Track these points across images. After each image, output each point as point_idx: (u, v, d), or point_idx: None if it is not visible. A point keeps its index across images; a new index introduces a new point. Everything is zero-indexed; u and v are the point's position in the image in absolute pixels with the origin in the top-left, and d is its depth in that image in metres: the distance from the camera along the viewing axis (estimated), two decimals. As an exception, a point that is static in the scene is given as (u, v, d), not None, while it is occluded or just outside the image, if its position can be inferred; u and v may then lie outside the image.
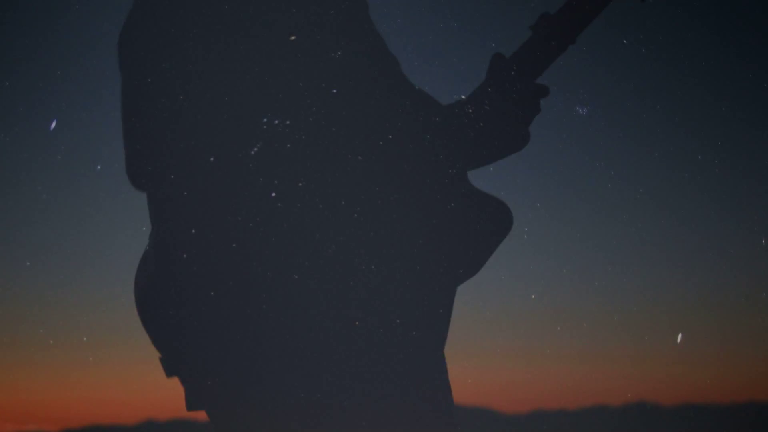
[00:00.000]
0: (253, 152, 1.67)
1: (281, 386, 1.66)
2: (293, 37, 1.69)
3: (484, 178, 1.93)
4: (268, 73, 1.69)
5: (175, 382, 1.80)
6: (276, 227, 1.66)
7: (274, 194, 1.66)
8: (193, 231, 1.69)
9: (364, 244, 1.67)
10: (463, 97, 1.93)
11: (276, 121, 1.67)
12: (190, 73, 1.71)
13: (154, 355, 1.79)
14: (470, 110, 1.89)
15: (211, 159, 1.69)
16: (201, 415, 1.81)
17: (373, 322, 1.66)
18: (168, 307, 1.72)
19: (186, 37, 1.73)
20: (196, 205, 1.71)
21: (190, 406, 1.77)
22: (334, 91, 1.69)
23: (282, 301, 1.65)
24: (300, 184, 1.66)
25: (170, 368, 1.77)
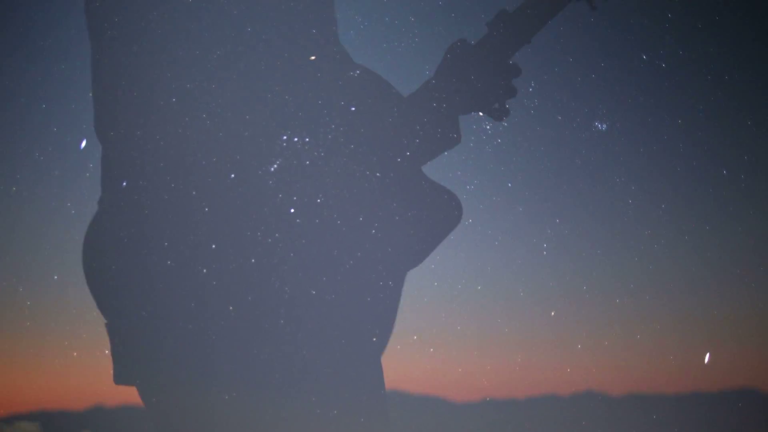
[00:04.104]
0: (272, 169, 1.69)
1: (296, 400, 1.69)
2: (313, 57, 1.71)
3: (501, 194, 1.97)
4: (287, 91, 1.70)
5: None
6: (294, 243, 1.68)
7: (292, 210, 1.68)
8: (213, 246, 1.70)
9: (382, 260, 1.70)
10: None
11: (295, 139, 1.69)
12: (211, 92, 1.72)
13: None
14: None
15: (231, 176, 1.70)
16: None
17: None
18: (190, 320, 1.73)
19: (208, 56, 1.74)
20: (216, 221, 1.72)
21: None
22: (353, 108, 1.71)
23: (300, 316, 1.67)
24: (318, 200, 1.69)
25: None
